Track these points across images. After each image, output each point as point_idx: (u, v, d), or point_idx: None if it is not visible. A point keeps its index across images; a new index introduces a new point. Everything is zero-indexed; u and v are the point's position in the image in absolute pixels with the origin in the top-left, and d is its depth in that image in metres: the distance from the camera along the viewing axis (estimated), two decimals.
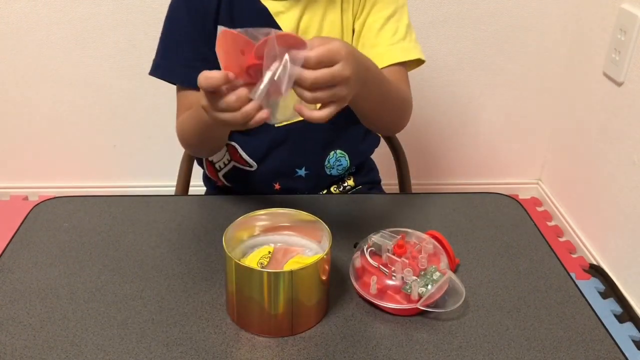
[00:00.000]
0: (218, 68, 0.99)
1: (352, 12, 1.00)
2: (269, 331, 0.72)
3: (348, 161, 1.09)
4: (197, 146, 1.02)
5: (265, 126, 1.02)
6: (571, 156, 2.01)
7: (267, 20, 0.97)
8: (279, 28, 0.97)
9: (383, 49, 0.98)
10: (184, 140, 1.01)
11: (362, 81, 0.75)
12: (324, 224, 0.76)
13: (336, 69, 0.68)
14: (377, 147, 1.17)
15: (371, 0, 0.99)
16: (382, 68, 0.95)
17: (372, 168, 1.20)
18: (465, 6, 1.90)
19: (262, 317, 0.72)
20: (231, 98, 0.70)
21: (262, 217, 0.79)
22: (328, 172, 1.08)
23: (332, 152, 1.07)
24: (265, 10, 0.97)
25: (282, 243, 0.80)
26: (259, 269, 0.70)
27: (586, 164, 1.90)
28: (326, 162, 1.07)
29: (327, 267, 0.73)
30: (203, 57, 0.95)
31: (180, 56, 0.98)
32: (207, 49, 0.96)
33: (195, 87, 0.92)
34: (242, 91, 0.69)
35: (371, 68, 0.81)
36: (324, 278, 0.73)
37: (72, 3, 1.82)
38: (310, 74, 0.67)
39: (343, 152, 1.08)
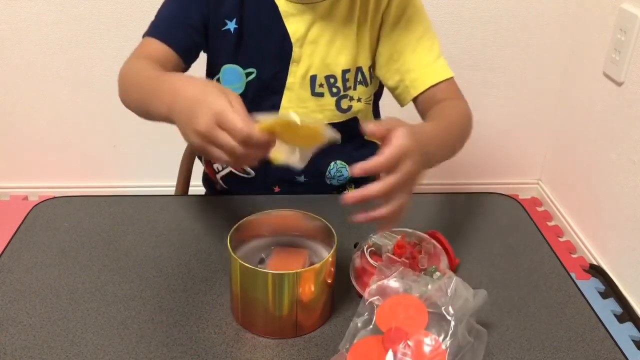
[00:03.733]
0: (201, 42, 0.97)
1: (369, 29, 0.98)
2: (274, 332, 0.72)
3: (349, 172, 1.07)
4: (132, 106, 0.90)
5: None
6: (571, 156, 2.01)
7: (275, 19, 0.95)
8: (285, 30, 0.95)
9: (419, 72, 0.97)
10: (125, 91, 0.91)
11: (427, 158, 0.71)
12: (329, 225, 0.76)
13: (405, 169, 0.65)
14: None
15: (400, 24, 0.97)
16: (428, 88, 0.96)
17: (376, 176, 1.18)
18: (465, 6, 1.90)
19: (267, 318, 0.71)
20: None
21: (267, 218, 0.79)
22: (328, 182, 1.07)
23: (333, 162, 1.06)
24: (275, 8, 0.95)
25: (287, 244, 0.80)
26: (264, 270, 0.70)
27: (586, 164, 1.90)
28: (327, 173, 1.06)
29: (332, 269, 0.73)
30: (192, 26, 0.94)
31: (175, 18, 0.96)
32: (200, 34, 0.95)
33: (170, 45, 0.90)
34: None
35: (432, 136, 0.77)
36: (329, 280, 0.73)
37: (72, 3, 1.82)
38: (383, 186, 0.65)
39: (344, 163, 1.06)
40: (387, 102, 1.10)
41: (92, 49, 1.88)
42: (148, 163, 2.08)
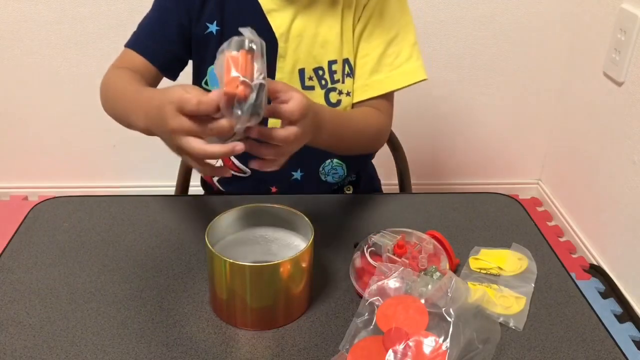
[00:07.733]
0: (182, 55, 0.96)
1: (352, 20, 0.97)
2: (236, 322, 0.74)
3: (345, 170, 1.07)
4: (113, 116, 0.92)
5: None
6: (571, 156, 2.01)
7: (257, 16, 0.94)
8: (269, 26, 0.94)
9: (384, 75, 0.97)
10: (106, 101, 0.92)
11: (316, 130, 0.77)
12: (306, 218, 0.76)
13: (297, 129, 0.71)
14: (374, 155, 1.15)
15: (373, 20, 0.96)
16: (374, 97, 0.97)
17: (373, 176, 1.18)
18: (465, 6, 1.91)
19: (216, 298, 0.74)
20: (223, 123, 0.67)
21: (247, 211, 0.80)
22: (323, 179, 1.07)
23: (328, 160, 1.05)
24: (256, 5, 0.94)
25: (267, 236, 0.80)
26: (225, 258, 0.70)
27: (586, 164, 1.90)
28: (321, 169, 1.05)
29: (304, 264, 0.73)
30: (171, 41, 0.95)
31: (154, 33, 0.97)
32: (180, 47, 0.96)
33: (148, 59, 0.91)
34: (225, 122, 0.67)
35: (327, 118, 0.82)
36: (303, 264, 0.73)
37: (72, 3, 1.82)
38: (286, 134, 0.71)
39: (340, 162, 1.06)
40: None
41: (92, 49, 1.88)
42: (148, 163, 2.07)
